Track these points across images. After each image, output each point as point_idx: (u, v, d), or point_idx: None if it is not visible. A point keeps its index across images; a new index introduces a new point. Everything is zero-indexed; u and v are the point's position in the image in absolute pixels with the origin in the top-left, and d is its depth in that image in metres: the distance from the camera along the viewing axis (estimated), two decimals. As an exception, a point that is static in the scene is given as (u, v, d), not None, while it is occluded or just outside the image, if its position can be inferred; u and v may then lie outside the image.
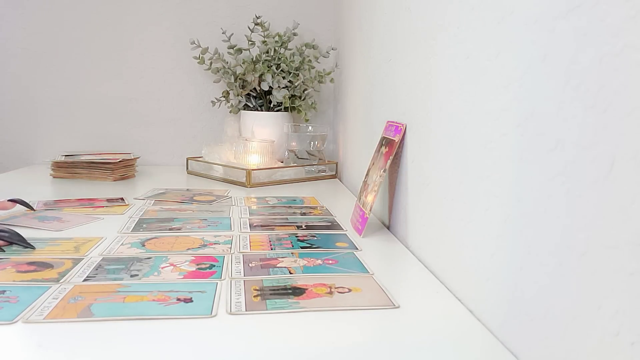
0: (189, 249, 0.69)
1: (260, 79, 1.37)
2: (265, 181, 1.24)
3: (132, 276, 0.58)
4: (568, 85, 0.37)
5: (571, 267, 0.36)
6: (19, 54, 1.48)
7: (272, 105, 1.42)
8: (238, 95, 1.43)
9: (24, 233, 0.69)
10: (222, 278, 0.58)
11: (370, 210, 0.77)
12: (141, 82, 1.53)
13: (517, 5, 0.44)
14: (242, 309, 0.50)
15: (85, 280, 0.56)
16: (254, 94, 1.43)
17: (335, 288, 0.56)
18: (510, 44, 0.45)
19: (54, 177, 1.26)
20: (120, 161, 1.27)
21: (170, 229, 0.79)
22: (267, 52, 1.41)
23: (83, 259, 0.64)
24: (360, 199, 0.85)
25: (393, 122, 0.82)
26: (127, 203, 0.98)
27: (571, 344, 0.36)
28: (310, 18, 1.53)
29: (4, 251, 0.65)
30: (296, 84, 1.39)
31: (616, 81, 0.32)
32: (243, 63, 1.41)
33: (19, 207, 0.91)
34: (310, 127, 1.36)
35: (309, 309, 0.50)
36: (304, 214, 0.92)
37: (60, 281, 0.56)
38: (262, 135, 1.37)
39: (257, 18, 1.41)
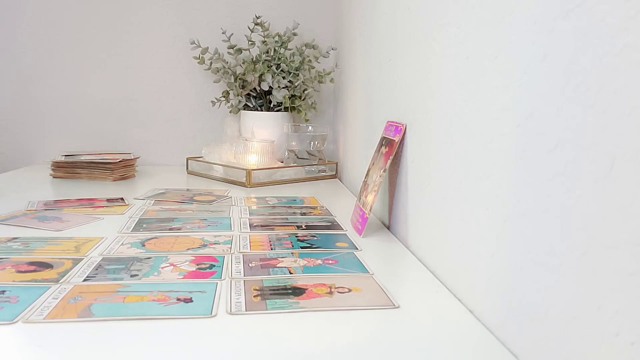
0: (189, 249, 0.69)
1: (260, 79, 1.37)
2: (265, 181, 1.24)
3: (132, 276, 0.58)
4: (568, 85, 0.37)
5: (571, 267, 0.36)
6: (19, 54, 1.48)
7: (272, 105, 1.42)
8: (238, 95, 1.43)
9: (24, 233, 0.69)
10: (222, 278, 0.58)
11: (370, 210, 0.77)
12: (141, 82, 1.53)
13: (517, 5, 0.44)
14: (242, 309, 0.50)
15: (85, 280, 0.56)
16: (254, 94, 1.43)
17: (335, 288, 0.56)
18: (510, 44, 0.45)
19: (54, 177, 1.26)
20: (120, 161, 1.27)
21: (170, 229, 0.79)
22: (267, 52, 1.41)
23: (83, 259, 0.64)
24: (360, 199, 0.85)
25: (393, 122, 0.82)
26: (127, 203, 0.98)
27: (571, 344, 0.36)
28: (310, 18, 1.53)
29: None
30: (296, 84, 1.39)
31: (616, 81, 0.32)
32: (243, 63, 1.41)
33: (18, 207, 0.91)
34: (310, 127, 1.36)
35: (309, 309, 0.50)
36: (304, 214, 0.92)
37: (60, 281, 0.56)
38: (262, 135, 1.37)
39: (257, 18, 1.41)
